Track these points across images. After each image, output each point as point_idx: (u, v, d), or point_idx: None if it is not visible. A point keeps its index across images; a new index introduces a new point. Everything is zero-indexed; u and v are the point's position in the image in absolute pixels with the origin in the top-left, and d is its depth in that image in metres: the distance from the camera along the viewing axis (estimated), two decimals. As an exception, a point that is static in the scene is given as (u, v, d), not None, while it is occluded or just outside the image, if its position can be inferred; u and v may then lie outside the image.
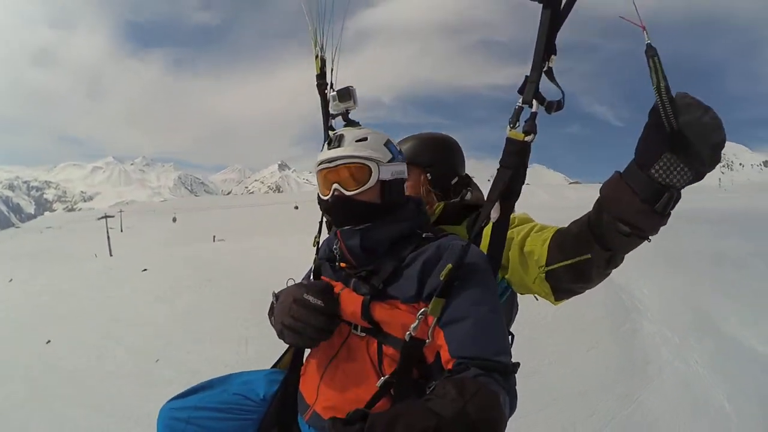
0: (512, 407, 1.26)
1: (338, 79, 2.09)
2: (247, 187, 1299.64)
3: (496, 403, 1.12)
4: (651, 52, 1.21)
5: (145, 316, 7.65)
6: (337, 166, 1.61)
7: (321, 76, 2.12)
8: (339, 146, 1.64)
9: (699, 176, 1.26)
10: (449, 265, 1.39)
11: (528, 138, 1.45)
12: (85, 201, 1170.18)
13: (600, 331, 5.58)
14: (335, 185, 1.63)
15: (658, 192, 1.27)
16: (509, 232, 1.66)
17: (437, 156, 2.12)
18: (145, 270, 11.08)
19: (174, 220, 74.18)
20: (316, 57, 2.13)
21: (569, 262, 1.50)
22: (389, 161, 1.64)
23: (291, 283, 1.72)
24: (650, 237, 1.38)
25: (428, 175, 2.08)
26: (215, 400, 1.81)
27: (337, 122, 2.03)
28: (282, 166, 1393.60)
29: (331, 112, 1.98)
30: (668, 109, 1.20)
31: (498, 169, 1.52)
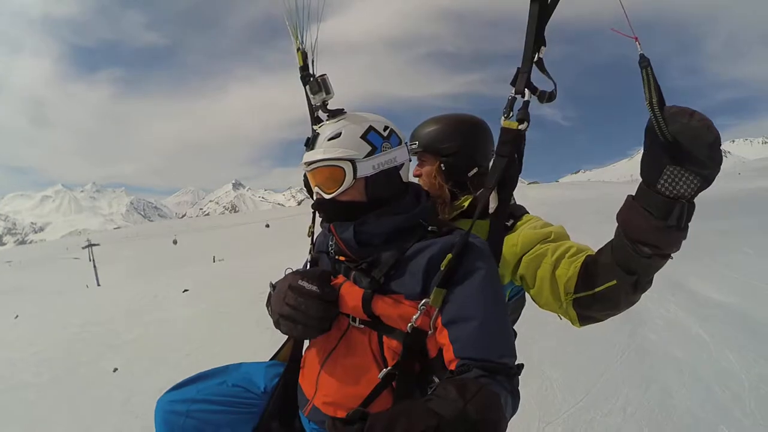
0: (514, 408, 1.26)
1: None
2: (201, 209, 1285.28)
3: (497, 404, 1.13)
4: (644, 62, 1.22)
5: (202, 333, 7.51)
6: (313, 169, 1.59)
7: (304, 68, 2.02)
8: (312, 148, 1.61)
9: (706, 181, 1.25)
10: (449, 255, 1.38)
11: (521, 126, 1.51)
12: (35, 232, 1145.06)
13: None
14: (315, 188, 1.62)
15: (669, 206, 1.27)
16: (544, 247, 1.66)
17: (456, 144, 1.99)
18: (186, 291, 10.85)
19: (175, 242, 74.41)
20: (298, 50, 2.05)
21: (596, 290, 1.48)
22: (368, 154, 1.55)
23: (289, 272, 1.65)
24: (672, 254, 1.36)
25: (442, 165, 1.99)
26: (215, 392, 1.76)
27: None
28: (236, 185, 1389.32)
29: (313, 104, 1.86)
30: (661, 122, 1.21)
31: (493, 159, 1.57)
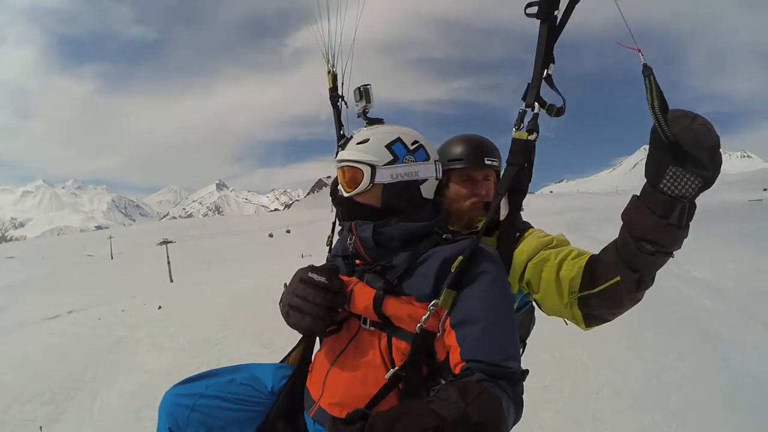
0: (517, 415, 1.26)
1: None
2: (185, 209, 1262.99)
3: (498, 407, 1.13)
4: (647, 71, 1.27)
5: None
6: (340, 167, 1.68)
7: (333, 89, 2.17)
8: (344, 148, 1.72)
9: (707, 182, 1.29)
10: (460, 257, 1.42)
11: (531, 137, 1.55)
12: (16, 228, 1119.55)
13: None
14: (340, 185, 1.72)
15: (671, 205, 1.31)
16: (547, 252, 1.71)
17: (499, 157, 2.07)
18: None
19: (271, 236, 67.91)
20: (329, 72, 2.18)
21: (600, 288, 1.51)
22: (389, 163, 1.61)
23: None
24: (674, 252, 1.41)
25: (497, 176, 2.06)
26: (222, 389, 1.78)
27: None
28: (220, 186, 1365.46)
29: (356, 112, 1.91)
30: (663, 126, 1.26)
31: (505, 167, 1.61)
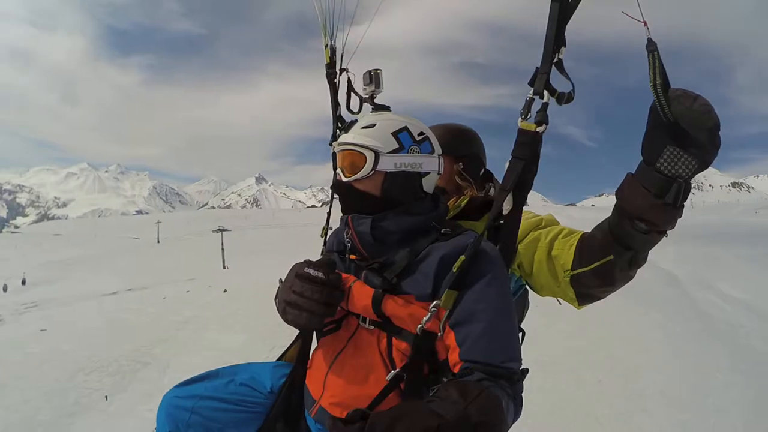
0: (516, 413, 1.25)
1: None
2: (223, 200, 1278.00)
3: (498, 407, 1.13)
4: (651, 46, 1.25)
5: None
6: (341, 150, 1.61)
7: (330, 66, 2.10)
8: (347, 132, 1.68)
9: (704, 164, 1.29)
10: (462, 257, 1.38)
11: (539, 128, 1.46)
12: (58, 207, 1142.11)
13: (657, 296, 9.65)
14: (339, 169, 1.64)
15: (667, 184, 1.31)
16: (537, 233, 1.71)
17: (467, 145, 2.04)
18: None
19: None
20: (326, 46, 2.09)
21: (593, 265, 1.51)
22: (393, 151, 1.56)
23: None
24: (667, 231, 1.41)
25: (461, 164, 1.99)
26: (221, 390, 1.77)
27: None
28: (259, 180, 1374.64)
29: (362, 95, 1.91)
30: (663, 104, 1.25)
31: (510, 160, 1.52)
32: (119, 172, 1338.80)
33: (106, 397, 5.52)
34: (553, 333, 6.59)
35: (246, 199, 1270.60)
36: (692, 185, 1.35)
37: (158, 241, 60.87)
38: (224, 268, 30.02)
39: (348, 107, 2.05)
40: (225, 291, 12.33)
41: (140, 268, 32.41)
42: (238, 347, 7.16)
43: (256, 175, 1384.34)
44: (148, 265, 34.83)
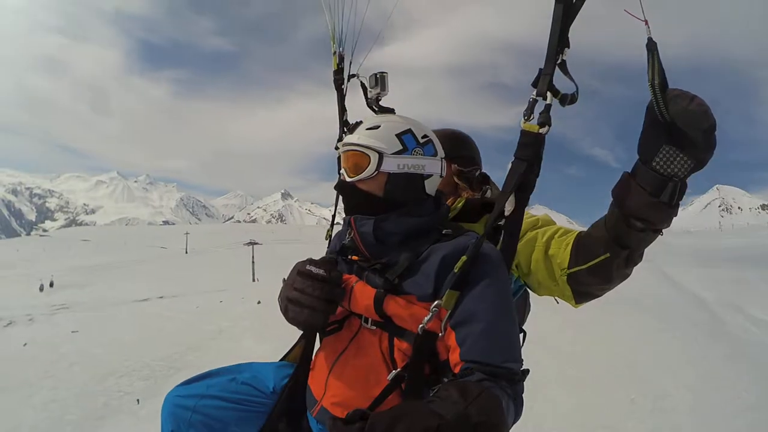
0: (517, 414, 1.26)
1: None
2: (249, 214, 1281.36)
3: (498, 408, 1.13)
4: (651, 46, 1.27)
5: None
6: (346, 151, 1.63)
7: (338, 72, 2.11)
8: (352, 132, 1.68)
9: (700, 163, 1.31)
10: (463, 257, 1.39)
11: (542, 130, 1.45)
12: (87, 214, 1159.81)
13: (686, 318, 9.79)
14: (343, 170, 1.66)
15: (662, 183, 1.33)
16: (533, 233, 1.72)
17: (461, 148, 2.07)
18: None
19: None
20: (334, 53, 2.11)
21: (590, 264, 1.51)
22: (397, 152, 1.57)
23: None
24: (663, 230, 1.43)
25: (456, 165, 2.01)
26: (223, 389, 1.77)
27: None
28: (285, 195, 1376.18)
29: (368, 97, 1.92)
30: (660, 103, 1.27)
31: (512, 162, 1.51)
32: (148, 183, 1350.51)
33: (138, 400, 5.60)
34: (579, 350, 6.64)
35: (271, 214, 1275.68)
36: (721, 207, 1.38)
37: (186, 252, 61.53)
38: (254, 280, 30.47)
39: (346, 119, 2.11)
40: (258, 303, 12.55)
41: (170, 276, 32.87)
42: (272, 357, 6.90)
43: (282, 191, 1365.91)
44: (177, 274, 35.31)
